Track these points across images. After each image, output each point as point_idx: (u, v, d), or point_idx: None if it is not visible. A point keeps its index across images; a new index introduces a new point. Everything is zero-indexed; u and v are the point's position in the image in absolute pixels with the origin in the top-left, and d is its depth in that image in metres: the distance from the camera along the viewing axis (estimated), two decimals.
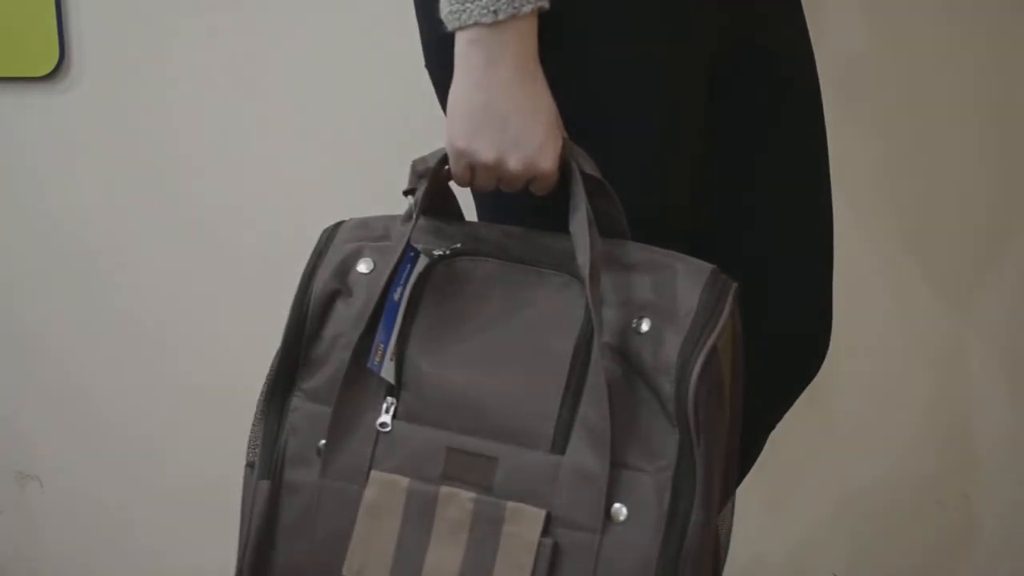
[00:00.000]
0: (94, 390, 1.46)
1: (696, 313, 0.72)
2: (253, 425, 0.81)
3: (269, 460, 0.78)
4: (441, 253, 0.79)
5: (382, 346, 0.75)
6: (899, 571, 1.52)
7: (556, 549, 0.69)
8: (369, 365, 0.74)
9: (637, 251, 0.76)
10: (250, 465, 0.80)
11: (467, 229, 0.81)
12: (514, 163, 0.74)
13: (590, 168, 0.75)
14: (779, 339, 0.94)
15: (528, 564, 0.69)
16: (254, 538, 0.77)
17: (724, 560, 0.82)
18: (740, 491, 1.46)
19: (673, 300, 0.73)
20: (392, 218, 0.81)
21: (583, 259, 0.71)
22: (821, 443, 1.48)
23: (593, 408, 0.71)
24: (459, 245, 0.79)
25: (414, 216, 0.77)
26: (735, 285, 0.75)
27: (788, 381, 0.99)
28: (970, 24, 1.34)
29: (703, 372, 0.69)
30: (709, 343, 0.70)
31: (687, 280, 0.73)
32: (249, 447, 0.80)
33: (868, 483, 1.50)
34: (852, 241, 1.42)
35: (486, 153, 0.74)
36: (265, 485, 0.77)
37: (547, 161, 0.74)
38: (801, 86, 0.95)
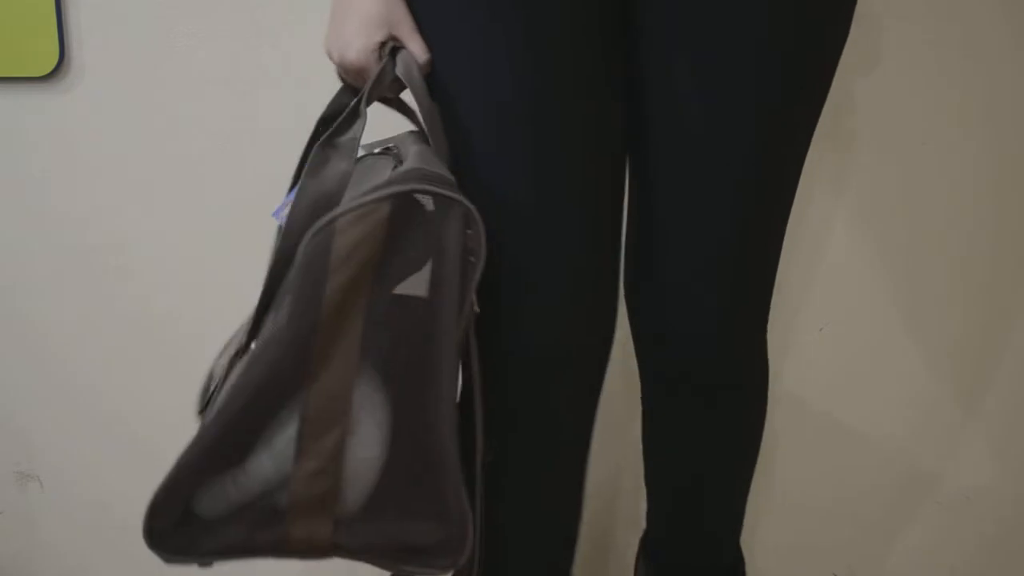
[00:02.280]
0: (95, 390, 1.46)
1: (364, 193, 0.75)
2: None
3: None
4: (376, 152, 0.90)
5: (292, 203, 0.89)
6: (899, 571, 1.52)
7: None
8: (273, 214, 0.89)
9: (411, 142, 0.86)
10: None
11: (414, 137, 0.91)
12: (335, 56, 0.88)
13: (402, 72, 0.84)
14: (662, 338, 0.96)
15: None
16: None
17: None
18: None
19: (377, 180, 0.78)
20: (406, 135, 0.95)
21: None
22: (821, 443, 1.48)
23: None
24: (391, 147, 0.90)
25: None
26: (407, 191, 0.74)
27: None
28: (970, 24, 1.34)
29: (310, 240, 0.73)
30: (330, 215, 0.73)
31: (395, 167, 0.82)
32: None
33: (867, 483, 1.50)
34: (853, 240, 1.42)
35: (327, 47, 0.89)
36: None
37: (350, 53, 0.86)
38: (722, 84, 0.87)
